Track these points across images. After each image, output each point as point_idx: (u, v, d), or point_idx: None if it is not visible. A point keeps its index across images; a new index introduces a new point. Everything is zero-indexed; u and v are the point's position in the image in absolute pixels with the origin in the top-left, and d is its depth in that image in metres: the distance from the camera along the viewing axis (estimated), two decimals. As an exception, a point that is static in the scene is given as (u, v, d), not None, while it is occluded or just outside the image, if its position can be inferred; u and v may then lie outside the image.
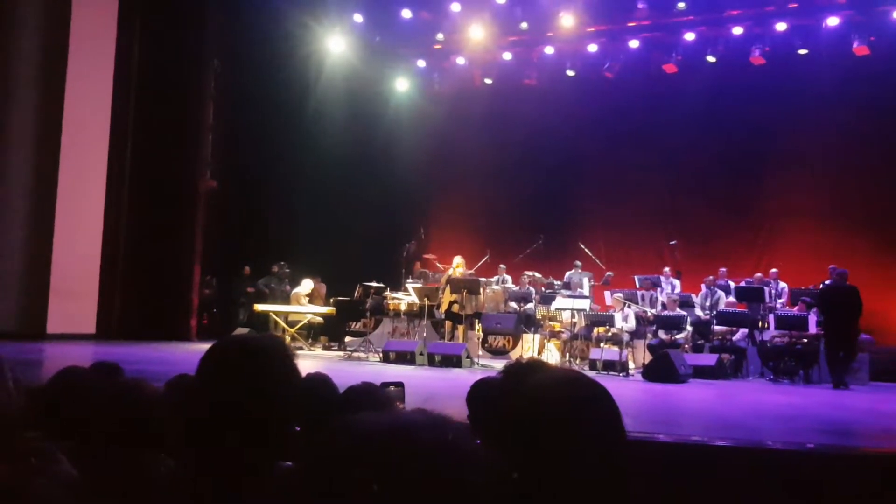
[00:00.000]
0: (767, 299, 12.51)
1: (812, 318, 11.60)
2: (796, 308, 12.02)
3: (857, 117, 13.68)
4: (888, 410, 8.72)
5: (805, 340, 11.48)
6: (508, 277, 14.54)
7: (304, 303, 13.77)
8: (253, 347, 1.50)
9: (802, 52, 14.10)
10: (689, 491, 5.02)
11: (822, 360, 11.49)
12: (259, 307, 13.68)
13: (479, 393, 2.74)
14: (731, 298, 12.86)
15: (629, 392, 9.96)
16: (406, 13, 15.84)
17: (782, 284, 13.07)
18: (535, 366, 1.42)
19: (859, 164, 13.76)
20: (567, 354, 12.57)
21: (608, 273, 14.08)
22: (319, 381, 2.78)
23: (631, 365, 11.92)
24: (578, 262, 14.44)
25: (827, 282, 11.65)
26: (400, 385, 3.53)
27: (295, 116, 15.22)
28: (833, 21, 13.88)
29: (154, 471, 1.86)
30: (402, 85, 17.39)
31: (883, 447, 6.00)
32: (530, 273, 14.04)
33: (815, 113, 13.97)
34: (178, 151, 13.88)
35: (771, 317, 12.05)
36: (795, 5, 14.16)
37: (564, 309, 12.79)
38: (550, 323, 13.05)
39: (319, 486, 0.83)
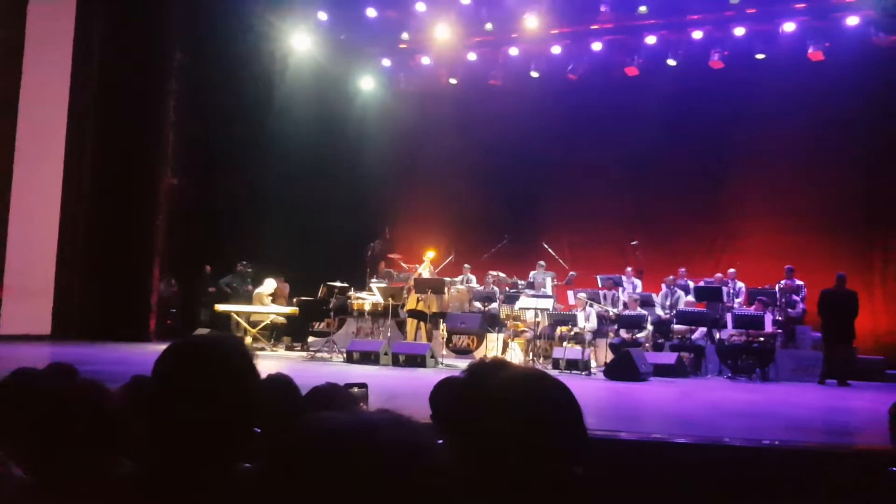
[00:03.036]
0: (725, 299, 12.73)
1: (768, 318, 11.84)
2: (753, 307, 12.24)
3: (812, 121, 13.95)
4: (841, 407, 8.92)
5: (762, 339, 11.71)
6: (473, 277, 14.59)
7: (266, 302, 13.65)
8: (208, 348, 1.50)
9: (760, 56, 14.34)
10: (650, 487, 5.10)
11: (778, 358, 11.76)
12: (220, 307, 13.51)
13: (443, 392, 2.75)
14: (691, 298, 13.06)
15: (592, 391, 10.05)
16: (371, 12, 15.79)
17: (740, 284, 13.30)
18: (498, 365, 1.43)
19: (815, 168, 14.02)
20: (530, 353, 12.64)
21: (571, 273, 14.19)
22: (281, 382, 2.77)
23: (593, 364, 12.04)
24: (542, 262, 14.53)
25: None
26: (364, 386, 3.53)
27: (259, 114, 15.09)
28: (790, 26, 14.13)
29: (111, 473, 1.84)
30: (367, 84, 17.34)
31: (835, 442, 6.14)
32: (495, 273, 14.09)
33: (772, 116, 14.22)
34: (138, 148, 13.68)
35: (729, 316, 12.26)
36: (754, 10, 14.39)
37: (528, 308, 12.87)
38: (514, 322, 13.12)
39: (279, 486, 0.83)
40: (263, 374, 2.86)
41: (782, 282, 12.77)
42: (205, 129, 14.45)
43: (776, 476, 5.16)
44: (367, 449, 0.82)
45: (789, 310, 12.51)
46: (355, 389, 3.37)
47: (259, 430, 1.57)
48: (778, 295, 12.56)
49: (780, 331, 12.12)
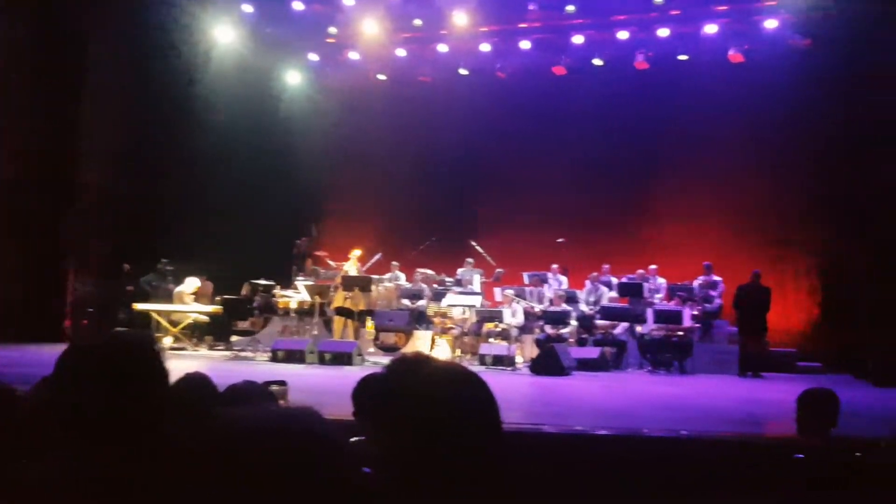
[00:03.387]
0: (646, 294, 13.06)
1: (687, 312, 12.21)
2: (673, 302, 12.59)
3: (731, 122, 14.40)
4: (754, 398, 9.26)
5: (680, 333, 12.06)
6: (401, 275, 14.59)
7: (188, 301, 13.35)
8: (111, 348, 1.47)
9: (683, 57, 14.73)
10: (573, 479, 5.20)
11: (695, 352, 12.13)
12: (139, 306, 13.13)
13: (365, 389, 2.76)
14: (614, 294, 13.35)
15: (517, 386, 10.18)
16: (298, 5, 15.60)
17: (660, 280, 13.65)
18: (419, 360, 1.44)
19: (734, 167, 14.47)
20: (457, 350, 12.72)
21: (498, 270, 14.32)
22: (197, 381, 2.73)
23: (519, 359, 12.19)
24: (470, 259, 14.63)
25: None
26: (283, 383, 3.50)
27: (182, 108, 14.70)
28: (711, 28, 14.54)
29: (19, 475, 1.79)
30: (294, 79, 17.12)
31: (747, 432, 6.37)
32: (423, 270, 14.13)
33: (694, 117, 14.62)
34: (53, 144, 13.17)
35: (649, 311, 12.58)
36: (677, 12, 14.75)
37: (455, 305, 12.95)
38: (442, 319, 13.17)
39: (186, 483, 0.83)
40: (181, 374, 2.82)
41: (700, 278, 13.19)
42: (124, 124, 14.02)
43: (693, 466, 5.34)
44: (274, 443, 0.82)
45: (706, 305, 12.92)
46: (274, 387, 3.34)
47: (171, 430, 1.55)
48: (696, 290, 12.96)
49: (697, 325, 12.52)
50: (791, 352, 13.03)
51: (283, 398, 3.38)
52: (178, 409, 1.83)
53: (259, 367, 10.68)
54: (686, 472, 5.22)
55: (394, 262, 14.72)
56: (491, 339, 12.50)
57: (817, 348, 13.16)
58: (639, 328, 12.64)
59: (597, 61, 15.10)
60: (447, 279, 14.22)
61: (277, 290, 13.17)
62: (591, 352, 12.16)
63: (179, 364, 5.41)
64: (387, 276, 14.41)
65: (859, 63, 12.22)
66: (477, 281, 14.15)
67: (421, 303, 13.36)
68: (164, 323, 13.04)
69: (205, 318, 13.37)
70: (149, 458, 1.44)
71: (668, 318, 12.14)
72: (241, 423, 0.86)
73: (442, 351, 12.56)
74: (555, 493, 4.88)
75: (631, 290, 13.05)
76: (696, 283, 13.10)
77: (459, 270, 14.50)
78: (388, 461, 1.32)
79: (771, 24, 14.04)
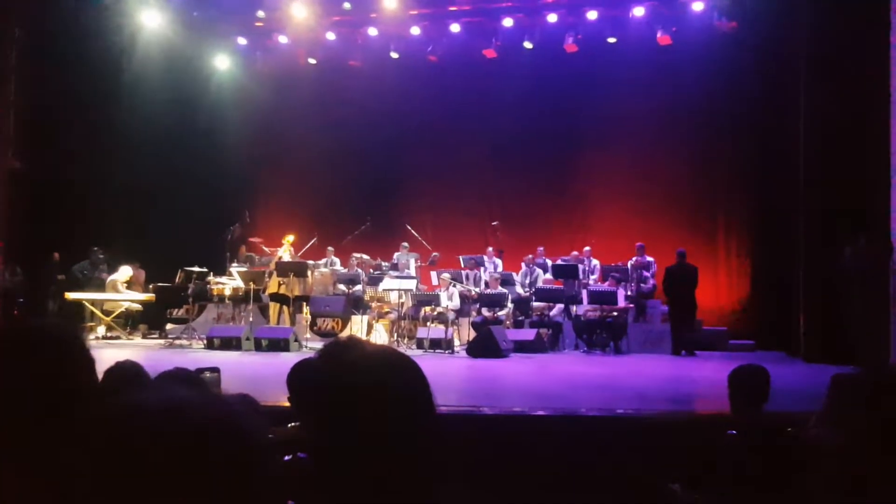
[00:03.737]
0: (581, 276, 13.25)
1: (620, 293, 12.44)
2: (607, 283, 12.80)
3: (660, 104, 14.66)
4: (687, 377, 9.51)
5: (615, 314, 12.29)
6: (337, 260, 14.48)
7: (121, 290, 13.05)
8: (25, 337, 1.42)
9: (612, 40, 14.90)
10: (512, 458, 5.26)
11: (630, 332, 12.39)
12: (71, 295, 12.80)
13: (299, 374, 2.72)
14: (549, 276, 13.50)
15: (455, 369, 10.26)
16: (226, -12, 15.20)
17: (595, 262, 13.86)
18: (351, 344, 1.43)
19: (664, 149, 14.75)
20: (395, 334, 12.72)
21: (434, 254, 14.34)
22: (128, 369, 2.66)
23: (456, 342, 12.26)
24: (406, 244, 14.60)
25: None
26: (216, 370, 3.44)
27: (109, 93, 14.23)
28: (639, 11, 14.71)
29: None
30: (222, 63, 16.72)
31: (681, 410, 6.55)
32: (358, 255, 14.04)
33: (623, 99, 14.81)
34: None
35: (584, 292, 12.77)
36: (606, -5, 14.91)
37: (392, 290, 12.92)
38: (378, 304, 13.14)
39: (90, 467, 0.79)
40: (112, 363, 2.74)
41: (634, 258, 13.44)
42: (50, 109, 13.49)
43: (628, 443, 5.46)
44: (177, 427, 0.80)
45: (641, 285, 13.18)
46: (207, 374, 3.28)
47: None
48: (630, 271, 13.20)
49: (631, 305, 12.77)
50: (723, 330, 13.38)
51: (216, 385, 3.32)
52: (108, 398, 1.77)
53: (194, 355, 10.51)
54: (622, 450, 5.34)
55: (329, 248, 14.60)
56: (428, 323, 12.53)
57: (749, 326, 13.54)
58: (574, 309, 12.82)
59: (527, 44, 15.16)
60: (383, 264, 14.17)
61: (211, 278, 12.96)
62: (528, 333, 12.30)
63: (113, 353, 5.28)
64: (322, 261, 14.29)
65: (783, 44, 12.58)
66: (413, 265, 14.14)
67: (357, 288, 13.29)
68: (96, 312, 12.73)
69: (138, 307, 13.15)
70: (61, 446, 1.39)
71: (602, 298, 12.34)
72: (132, 406, 0.83)
73: (379, 335, 12.55)
74: (494, 474, 4.92)
75: (566, 272, 13.21)
76: (629, 264, 13.33)
77: (395, 255, 14.46)
78: (320, 445, 1.32)
79: (697, 6, 14.28)
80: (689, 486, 3.45)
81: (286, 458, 2.13)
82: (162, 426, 0.80)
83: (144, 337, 13.27)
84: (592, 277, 13.55)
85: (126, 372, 2.64)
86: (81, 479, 0.78)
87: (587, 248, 14.08)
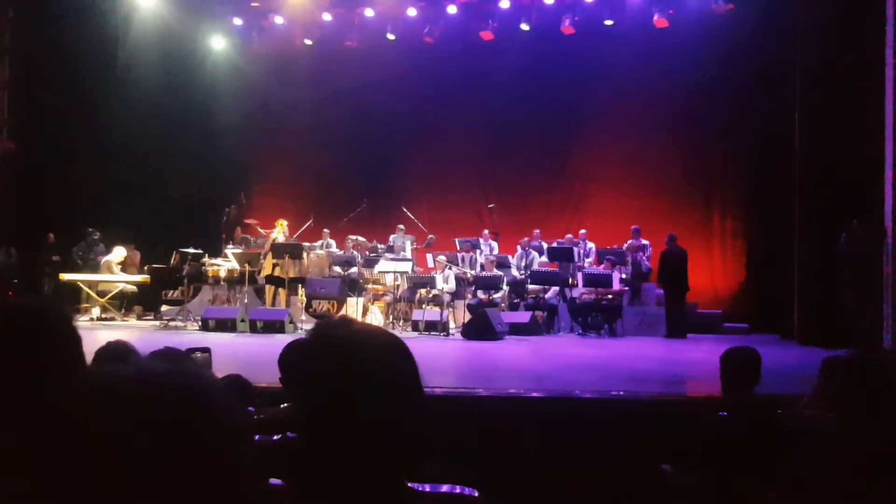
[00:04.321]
0: (576, 259, 13.26)
1: (616, 276, 12.45)
2: (602, 266, 12.82)
3: (656, 87, 14.62)
4: (681, 359, 9.55)
5: (610, 296, 12.31)
6: (332, 242, 14.46)
7: (115, 271, 13.04)
8: (10, 314, 1.42)
9: (609, 23, 14.83)
10: (507, 439, 5.29)
11: (625, 315, 12.42)
12: (66, 276, 12.80)
13: (291, 355, 2.73)
14: (544, 258, 13.51)
15: (450, 351, 10.29)
16: (221, -32, 15.10)
17: (590, 244, 13.88)
18: (340, 322, 1.44)
19: (660, 131, 14.72)
20: (390, 316, 12.74)
21: (430, 236, 14.34)
22: (119, 349, 2.66)
23: (452, 325, 12.27)
24: (402, 226, 14.60)
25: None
26: (206, 350, 3.45)
27: (104, 74, 14.16)
28: (637, -7, 14.67)
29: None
30: (218, 43, 16.63)
31: (674, 392, 6.59)
32: (354, 237, 14.03)
33: (620, 83, 14.77)
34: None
35: (579, 275, 12.79)
36: (604, -23, 14.82)
37: (387, 272, 12.92)
38: (374, 286, 13.14)
39: (59, 441, 0.80)
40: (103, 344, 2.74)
41: (629, 241, 13.45)
42: (44, 90, 13.41)
43: (622, 425, 5.49)
44: (144, 399, 0.80)
45: (636, 268, 13.19)
46: (198, 354, 3.29)
47: None
48: (625, 254, 13.22)
49: (626, 288, 12.79)
50: (717, 313, 13.44)
51: (206, 365, 3.33)
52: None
53: (189, 336, 10.52)
54: (616, 432, 5.38)
55: (325, 230, 14.58)
56: (424, 305, 12.55)
57: (744, 309, 13.60)
58: (569, 292, 12.84)
59: (524, 26, 15.09)
60: (379, 246, 14.16)
61: (206, 259, 12.94)
62: (523, 316, 12.31)
63: (107, 334, 5.28)
64: (318, 243, 14.28)
65: (779, 25, 12.53)
66: (409, 247, 14.15)
67: (353, 270, 13.29)
68: (91, 293, 12.73)
69: (133, 288, 13.13)
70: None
71: (597, 281, 12.36)
72: (107, 377, 0.84)
73: (375, 318, 12.56)
74: (489, 455, 4.95)
75: (561, 255, 13.22)
76: (625, 247, 13.35)
77: (391, 237, 14.46)
78: (307, 423, 1.32)
79: (694, -12, 14.24)
80: (680, 467, 3.48)
81: (275, 437, 2.14)
82: (129, 395, 0.80)
83: (139, 318, 13.27)
84: (588, 260, 13.57)
85: (116, 352, 2.64)
86: (50, 448, 0.78)
87: (583, 231, 14.10)
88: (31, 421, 0.83)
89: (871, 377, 2.72)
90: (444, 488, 1.36)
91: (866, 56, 10.35)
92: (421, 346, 10.60)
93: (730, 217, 14.65)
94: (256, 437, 2.20)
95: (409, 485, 1.32)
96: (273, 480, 1.38)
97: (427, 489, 1.34)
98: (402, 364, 1.36)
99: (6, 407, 1.28)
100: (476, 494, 1.38)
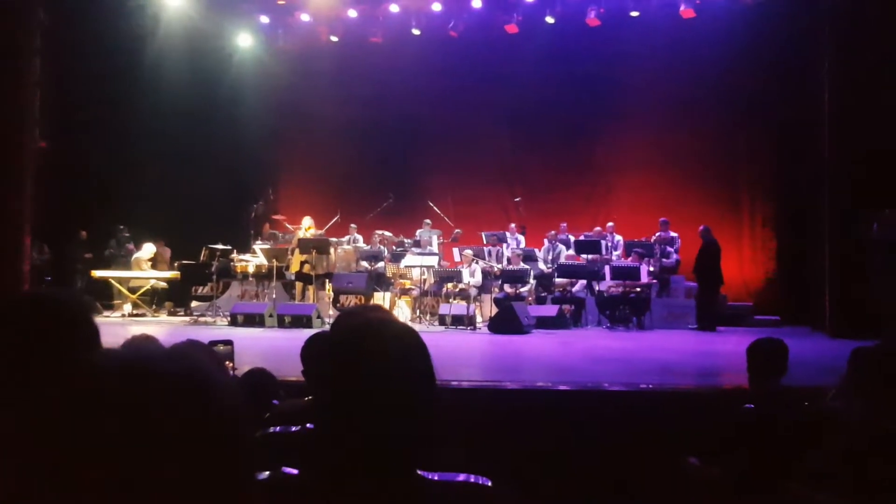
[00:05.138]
0: (604, 251, 13.18)
1: (644, 269, 12.36)
2: (630, 259, 12.73)
3: (684, 78, 14.47)
4: (710, 351, 9.46)
5: (638, 289, 12.23)
6: (359, 237, 14.51)
7: (145, 268, 13.21)
8: (28, 304, 1.45)
9: (634, 14, 14.69)
10: (536, 431, 5.29)
11: (653, 307, 12.32)
12: (97, 273, 13.00)
13: (312, 347, 2.75)
14: (571, 252, 13.45)
15: (477, 344, 10.30)
16: (247, -34, 15.19)
17: (618, 237, 13.78)
18: (357, 311, 1.45)
19: (687, 123, 14.57)
20: (417, 311, 12.76)
21: (456, 230, 14.33)
22: (141, 342, 2.69)
23: (479, 318, 12.27)
24: (428, 220, 14.61)
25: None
26: (229, 343, 3.48)
27: (132, 73, 14.33)
28: (663, -16, 14.50)
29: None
30: (245, 41, 16.74)
31: (703, 384, 6.53)
32: (381, 232, 14.07)
33: (646, 73, 14.65)
34: (2, 111, 12.74)
35: (607, 268, 12.71)
36: (629, -31, 14.69)
37: (414, 266, 12.95)
38: (401, 280, 13.17)
39: (57, 425, 0.81)
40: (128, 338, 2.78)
41: (657, 234, 13.34)
42: (75, 89, 13.61)
43: (650, 417, 5.46)
44: (140, 382, 0.81)
45: (664, 260, 13.09)
46: (220, 347, 3.31)
47: None
48: (653, 247, 13.11)
49: (654, 281, 12.68)
50: (748, 305, 13.29)
51: (229, 358, 3.36)
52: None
53: (218, 331, 10.61)
54: (644, 424, 5.34)
55: (352, 225, 14.64)
56: (451, 300, 12.55)
57: (775, 301, 13.45)
58: (597, 285, 12.77)
59: (549, 19, 15.00)
60: (405, 240, 14.19)
61: (235, 255, 13.06)
62: (550, 310, 12.27)
63: (137, 330, 5.37)
64: (345, 238, 14.34)
65: (807, 14, 12.33)
66: (435, 241, 14.16)
67: (380, 264, 13.33)
68: (122, 290, 12.91)
69: (163, 284, 13.28)
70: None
71: (625, 274, 12.28)
72: (111, 359, 0.85)
73: (402, 312, 12.59)
74: (518, 446, 4.95)
75: (588, 248, 13.15)
76: (653, 239, 13.24)
77: (418, 231, 14.48)
78: (322, 413, 1.33)
79: (721, -22, 14.05)
80: (706, 459, 3.44)
81: (294, 428, 2.16)
82: (120, 376, 0.80)
83: (170, 314, 13.44)
84: (616, 253, 13.48)
85: (138, 345, 2.67)
86: (44, 426, 0.79)
87: (610, 224, 14.00)
88: (41, 397, 0.84)
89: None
90: (459, 477, 1.36)
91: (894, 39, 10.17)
92: (447, 341, 10.64)
93: (759, 208, 14.47)
94: (277, 428, 2.22)
95: (420, 473, 1.33)
96: (287, 469, 1.40)
97: (438, 478, 1.34)
98: (414, 353, 1.37)
99: (21, 385, 1.32)
100: (489, 483, 1.38)
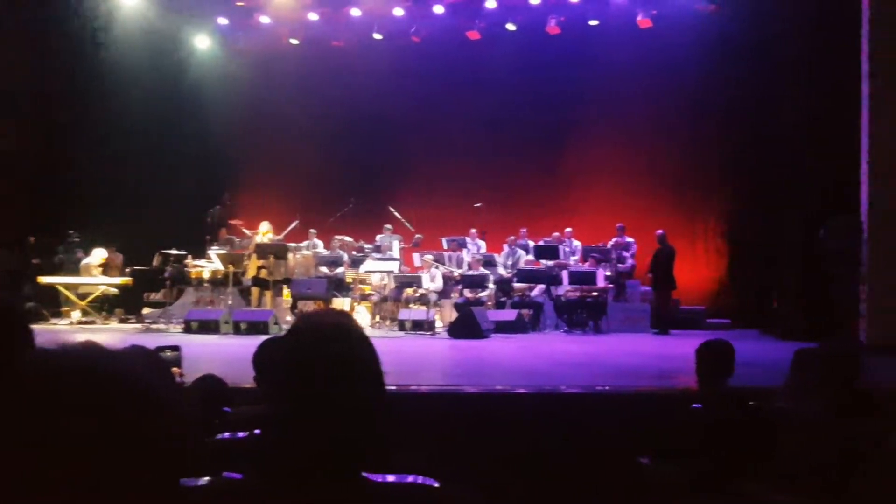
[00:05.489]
0: (562, 257, 13.30)
1: (600, 273, 12.51)
2: (587, 264, 12.87)
3: (641, 86, 14.68)
4: (664, 354, 9.59)
5: (595, 294, 12.36)
6: (319, 242, 14.42)
7: (95, 273, 12.95)
8: None
9: (593, 22, 14.89)
10: (495, 434, 5.32)
11: (609, 311, 12.46)
12: (44, 279, 12.68)
13: (264, 353, 2.74)
14: (531, 257, 13.54)
15: (437, 349, 10.30)
16: (204, -33, 15.04)
17: (576, 242, 13.92)
18: (306, 317, 1.45)
19: (645, 131, 14.79)
20: (377, 316, 12.73)
21: (417, 235, 14.32)
22: (79, 346, 2.65)
23: (439, 323, 12.28)
24: (389, 226, 14.58)
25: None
26: (176, 348, 3.45)
27: (87, 74, 14.07)
28: (620, -7, 14.72)
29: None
30: (202, 42, 16.57)
31: (656, 386, 6.62)
32: (340, 237, 14.01)
33: (605, 81, 14.83)
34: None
35: (565, 273, 12.83)
36: (588, -22, 14.88)
37: (374, 272, 12.91)
38: (361, 286, 13.13)
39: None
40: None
41: (614, 239, 13.50)
42: (23, 91, 13.33)
43: (606, 419, 5.52)
44: (64, 381, 0.81)
45: (620, 265, 13.25)
46: (167, 353, 3.29)
47: None
48: (610, 252, 13.27)
49: (611, 285, 12.84)
50: (700, 309, 13.51)
51: (176, 364, 3.32)
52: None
53: (171, 339, 10.45)
54: (600, 426, 5.41)
55: (311, 230, 14.53)
56: (411, 305, 12.55)
57: (726, 305, 13.70)
58: (555, 290, 12.88)
59: (510, 26, 15.11)
60: (366, 246, 14.15)
61: (189, 260, 12.88)
62: (509, 314, 12.34)
63: (86, 338, 5.23)
64: (304, 243, 14.23)
65: (764, 28, 12.61)
66: (396, 247, 14.13)
67: (339, 270, 13.27)
68: (70, 296, 12.63)
69: (114, 291, 13.02)
70: None
71: (582, 279, 12.41)
72: (41, 360, 0.85)
73: (361, 318, 12.54)
74: (477, 449, 4.97)
75: (547, 253, 13.26)
76: (609, 245, 13.40)
77: (378, 237, 14.44)
78: (269, 417, 1.34)
79: (678, -12, 14.30)
80: (657, 459, 3.50)
81: (241, 434, 2.14)
82: (56, 377, 0.81)
83: (121, 322, 13.14)
84: (574, 258, 13.61)
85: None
86: None
87: (569, 230, 14.14)
88: None
89: (840, 370, 2.76)
90: (407, 479, 1.36)
91: (845, 55, 10.44)
92: (407, 346, 10.62)
93: (714, 214, 14.73)
94: (225, 434, 2.20)
95: (367, 475, 1.33)
96: (230, 474, 1.39)
97: (384, 480, 1.35)
98: (367, 357, 1.37)
99: None
100: (436, 485, 1.39)
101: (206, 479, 1.33)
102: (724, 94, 14.08)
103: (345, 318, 1.41)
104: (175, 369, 3.21)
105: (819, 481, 2.69)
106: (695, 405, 3.47)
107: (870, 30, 10.09)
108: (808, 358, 3.02)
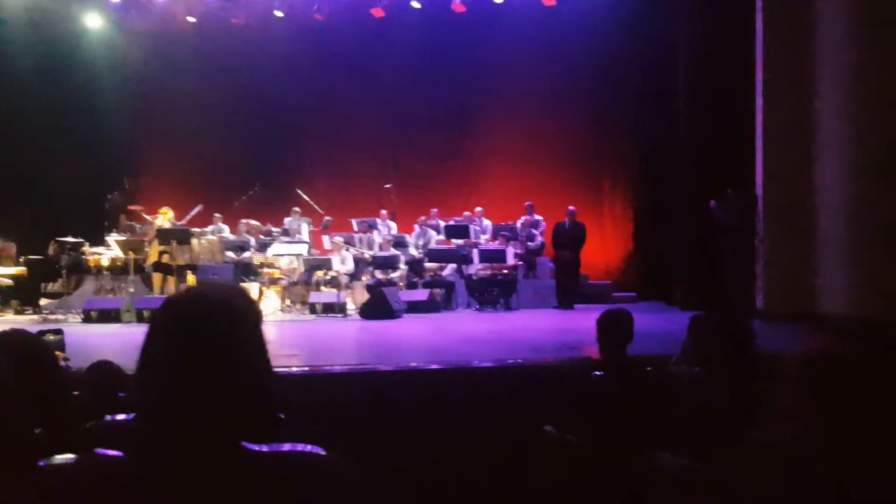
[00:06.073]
0: (472, 236, 13.39)
1: (510, 251, 12.66)
2: (497, 242, 13.00)
3: (547, 63, 14.80)
4: (571, 328, 9.81)
5: (505, 272, 12.51)
6: (225, 227, 14.06)
7: (-13, 264, 12.32)
8: None
9: (498, 0, 14.91)
10: (410, 410, 5.33)
11: (520, 289, 12.64)
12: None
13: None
14: (442, 237, 13.59)
15: (349, 331, 10.28)
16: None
17: (486, 222, 14.03)
18: (185, 291, 1.40)
19: (552, 109, 14.91)
20: (287, 300, 12.55)
21: (327, 218, 14.16)
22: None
23: (351, 306, 12.20)
24: (297, 209, 14.35)
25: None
26: (59, 332, 3.37)
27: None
28: (525, -28, 14.78)
29: None
30: (94, 21, 15.80)
31: (564, 357, 6.80)
32: (247, 221, 13.71)
33: (511, 59, 14.86)
34: None
35: (475, 252, 12.93)
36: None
37: (282, 255, 12.71)
38: (269, 270, 12.88)
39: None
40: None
41: (523, 217, 13.67)
42: None
43: (516, 391, 5.63)
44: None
45: (529, 243, 13.44)
46: (49, 336, 3.21)
47: None
48: (519, 230, 13.43)
49: (521, 263, 13.01)
50: (607, 284, 13.84)
51: (59, 347, 3.22)
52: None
53: (70, 329, 10.03)
54: (511, 398, 5.49)
55: (216, 214, 14.15)
56: (321, 287, 12.42)
57: (633, 279, 14.07)
58: (466, 269, 12.96)
59: (415, 4, 14.98)
60: (273, 229, 13.88)
61: (87, 248, 12.37)
62: (421, 294, 12.37)
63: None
64: (209, 228, 13.86)
65: (664, 6, 12.92)
66: (305, 230, 13.92)
67: (246, 254, 13.00)
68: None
69: (8, 282, 12.41)
70: None
71: (492, 257, 12.53)
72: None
73: (271, 302, 12.34)
74: (391, 427, 4.97)
75: (458, 233, 13.33)
76: (518, 223, 13.55)
77: (286, 220, 14.19)
78: (148, 406, 1.29)
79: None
80: (561, 427, 3.56)
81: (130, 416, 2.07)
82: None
83: (17, 313, 12.54)
84: (484, 237, 13.71)
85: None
86: None
87: (479, 209, 14.24)
88: None
89: (733, 334, 2.85)
90: (286, 447, 1.33)
91: (741, 36, 10.85)
92: (319, 328, 10.53)
93: (620, 190, 15.05)
94: (111, 417, 2.12)
95: (247, 445, 1.29)
96: (106, 451, 1.33)
97: (266, 449, 1.31)
98: (247, 329, 1.33)
99: None
100: (322, 453, 1.36)
101: (70, 456, 1.27)
102: (629, 72, 14.34)
103: (221, 291, 1.36)
104: (59, 353, 3.07)
105: (712, 437, 2.78)
106: (596, 373, 3.55)
107: (763, 19, 10.54)
108: (704, 323, 3.13)
